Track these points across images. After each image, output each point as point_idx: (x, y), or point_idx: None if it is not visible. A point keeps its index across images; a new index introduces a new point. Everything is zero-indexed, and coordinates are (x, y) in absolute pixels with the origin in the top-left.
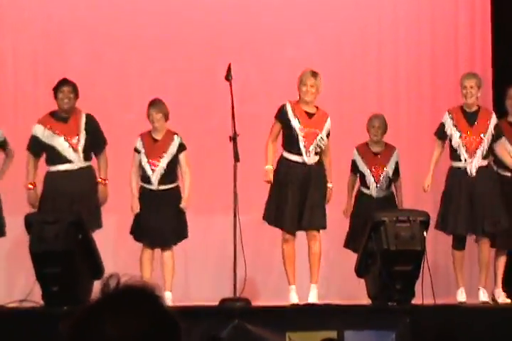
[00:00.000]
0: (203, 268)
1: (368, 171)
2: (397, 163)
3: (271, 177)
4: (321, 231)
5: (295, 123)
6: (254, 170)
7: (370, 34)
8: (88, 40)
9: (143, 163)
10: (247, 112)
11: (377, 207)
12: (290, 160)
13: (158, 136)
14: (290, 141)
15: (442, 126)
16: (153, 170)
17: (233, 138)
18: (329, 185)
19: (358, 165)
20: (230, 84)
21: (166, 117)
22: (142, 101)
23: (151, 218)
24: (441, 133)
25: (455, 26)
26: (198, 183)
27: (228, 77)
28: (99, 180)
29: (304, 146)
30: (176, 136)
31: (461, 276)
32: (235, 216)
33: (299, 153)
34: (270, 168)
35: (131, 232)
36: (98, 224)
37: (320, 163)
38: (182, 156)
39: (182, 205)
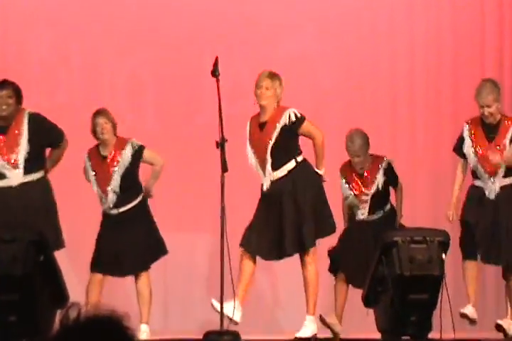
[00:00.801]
0: (186, 295)
1: (353, 194)
2: (386, 174)
3: None
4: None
5: (248, 149)
6: (245, 181)
7: (381, 27)
8: (53, 29)
9: (94, 187)
10: (236, 113)
11: (371, 230)
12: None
13: (106, 152)
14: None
15: (461, 140)
16: (105, 195)
17: (221, 145)
18: (319, 171)
19: (342, 189)
20: (217, 81)
21: (115, 127)
22: (116, 100)
23: (114, 245)
24: (460, 150)
25: (481, 25)
26: (180, 196)
27: (215, 72)
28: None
29: (260, 167)
30: (127, 146)
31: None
32: (222, 235)
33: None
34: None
35: (92, 263)
36: (58, 244)
37: (293, 171)
38: (145, 158)
39: (147, 194)
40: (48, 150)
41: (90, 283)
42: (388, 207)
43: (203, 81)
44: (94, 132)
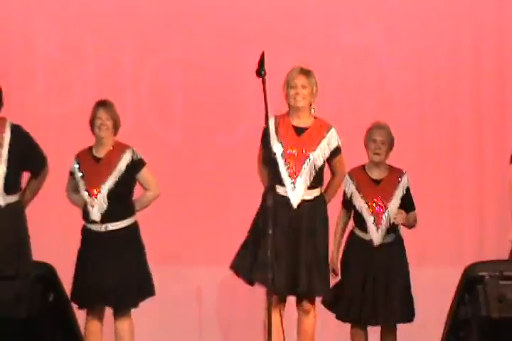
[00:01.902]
0: None
1: (366, 207)
2: (407, 193)
3: None
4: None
5: (277, 146)
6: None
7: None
8: (62, 20)
9: (81, 193)
10: None
11: (380, 259)
12: (277, 193)
13: (101, 153)
14: (273, 170)
15: None
16: (93, 203)
17: (271, 160)
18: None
19: (352, 199)
20: (263, 82)
21: (117, 127)
22: (137, 105)
23: (97, 272)
24: None
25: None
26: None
27: (261, 71)
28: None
29: (289, 176)
30: (127, 150)
31: None
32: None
33: (283, 184)
34: None
35: (71, 294)
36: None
37: (317, 199)
38: (141, 174)
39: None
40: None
41: (88, 330)
42: (399, 230)
43: (244, 82)
44: (91, 124)
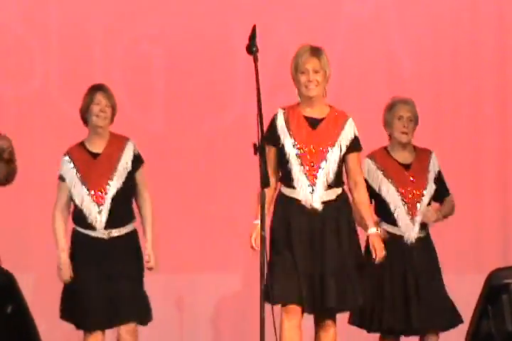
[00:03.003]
0: None
1: (398, 196)
2: (439, 176)
3: (255, 241)
4: None
5: (288, 141)
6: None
7: None
8: None
9: (77, 197)
10: (280, 103)
11: (414, 257)
12: (290, 198)
13: (98, 148)
14: (285, 170)
15: None
16: (98, 206)
17: (260, 149)
18: (371, 230)
19: (380, 187)
20: (255, 60)
21: (114, 116)
22: (110, 86)
23: (97, 285)
24: None
25: None
26: (198, 219)
27: (252, 47)
28: None
29: (306, 177)
30: (128, 143)
31: None
32: (262, 276)
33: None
34: (258, 224)
35: (61, 311)
36: None
37: (340, 198)
38: (139, 174)
39: (149, 263)
40: None
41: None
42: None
43: (233, 60)
44: (85, 111)
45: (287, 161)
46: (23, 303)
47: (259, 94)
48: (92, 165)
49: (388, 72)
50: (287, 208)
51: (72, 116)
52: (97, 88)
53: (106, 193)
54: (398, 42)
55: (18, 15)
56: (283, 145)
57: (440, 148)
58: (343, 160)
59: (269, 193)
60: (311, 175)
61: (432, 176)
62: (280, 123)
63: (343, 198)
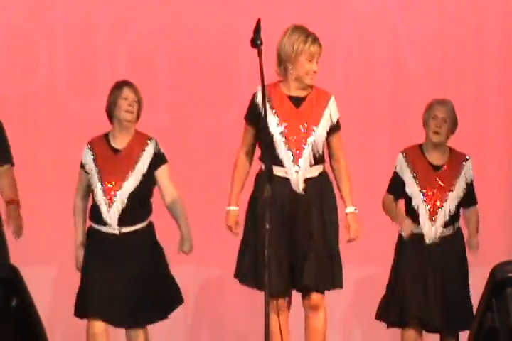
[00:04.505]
0: None
1: (421, 197)
2: (470, 183)
3: (232, 221)
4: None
5: (272, 119)
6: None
7: None
8: None
9: (95, 190)
10: None
11: (435, 256)
12: (274, 175)
13: (120, 144)
14: (268, 148)
15: None
16: (110, 202)
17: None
18: (349, 209)
19: (406, 185)
20: (259, 54)
21: (139, 113)
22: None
23: (109, 282)
24: None
25: None
26: (204, 213)
27: (256, 41)
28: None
29: (292, 155)
30: (149, 142)
31: None
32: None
33: (283, 165)
34: (234, 209)
35: (77, 306)
36: None
37: (322, 176)
38: (161, 173)
39: (185, 248)
40: None
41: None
42: (458, 223)
43: (238, 54)
44: (111, 107)
45: (271, 139)
46: (27, 297)
47: (263, 88)
48: (111, 161)
49: (394, 68)
50: (271, 186)
51: (77, 112)
52: (123, 83)
53: (119, 192)
54: (404, 37)
55: (23, 11)
56: (267, 123)
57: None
58: (325, 138)
59: (244, 174)
60: (296, 153)
61: (462, 181)
62: (258, 99)
63: (324, 175)
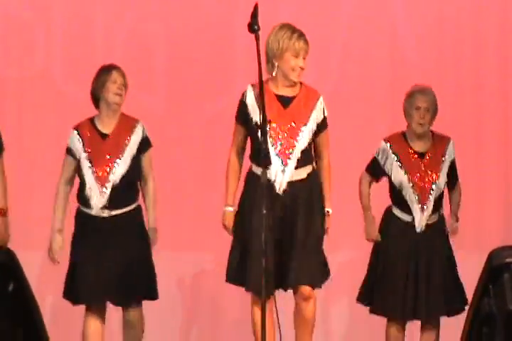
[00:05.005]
0: None
1: (410, 184)
2: (453, 163)
3: (228, 222)
4: None
5: (258, 118)
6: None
7: None
8: None
9: (85, 174)
10: None
11: (424, 243)
12: (260, 176)
13: (107, 128)
14: (257, 149)
15: None
16: (102, 185)
17: (261, 128)
18: (327, 209)
19: (392, 174)
20: (257, 39)
21: (125, 93)
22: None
23: (97, 264)
24: None
25: None
26: (194, 203)
27: (254, 26)
28: None
29: (277, 155)
30: (137, 125)
31: None
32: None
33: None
34: (230, 210)
35: (65, 292)
36: None
37: (311, 177)
38: (146, 158)
39: (151, 237)
40: None
41: (89, 325)
42: (442, 209)
43: (235, 39)
44: (98, 91)
45: (257, 139)
46: (24, 281)
47: (260, 74)
48: (99, 145)
49: (390, 64)
50: (258, 187)
51: (73, 96)
52: (111, 67)
53: (110, 174)
54: (401, 33)
55: None
56: (255, 123)
57: (442, 132)
58: (313, 138)
59: (238, 173)
60: (284, 154)
61: (446, 165)
62: (250, 102)
63: (313, 176)
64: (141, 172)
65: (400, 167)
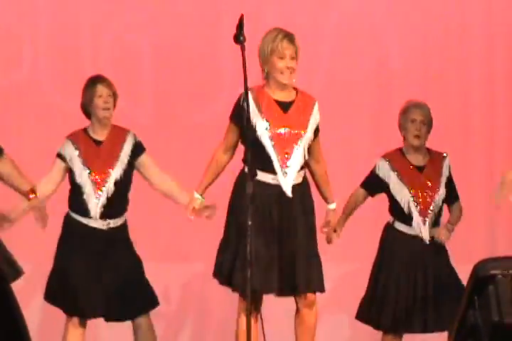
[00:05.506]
0: None
1: (411, 199)
2: (451, 180)
3: (190, 207)
4: None
5: (260, 123)
6: None
7: None
8: None
9: (81, 181)
10: None
11: (428, 256)
12: (257, 181)
13: (100, 136)
14: (257, 154)
15: None
16: (98, 189)
17: (246, 138)
18: (330, 206)
19: (393, 189)
20: (242, 49)
21: (115, 104)
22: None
23: (96, 278)
24: None
25: None
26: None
27: (239, 37)
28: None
29: (279, 160)
30: (128, 133)
31: None
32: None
33: (272, 171)
34: (197, 198)
35: (55, 298)
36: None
37: (305, 180)
38: (145, 160)
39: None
40: None
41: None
42: (440, 222)
43: (220, 49)
44: (86, 105)
45: (260, 144)
46: (6, 287)
47: (246, 84)
48: (95, 152)
49: (377, 67)
50: (255, 191)
51: (60, 105)
52: (96, 80)
53: (107, 181)
54: (387, 38)
55: (6, 4)
56: (255, 127)
57: (429, 142)
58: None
59: (219, 167)
60: (284, 159)
61: (444, 180)
62: (250, 102)
63: (305, 180)
64: (145, 176)
65: (402, 182)
